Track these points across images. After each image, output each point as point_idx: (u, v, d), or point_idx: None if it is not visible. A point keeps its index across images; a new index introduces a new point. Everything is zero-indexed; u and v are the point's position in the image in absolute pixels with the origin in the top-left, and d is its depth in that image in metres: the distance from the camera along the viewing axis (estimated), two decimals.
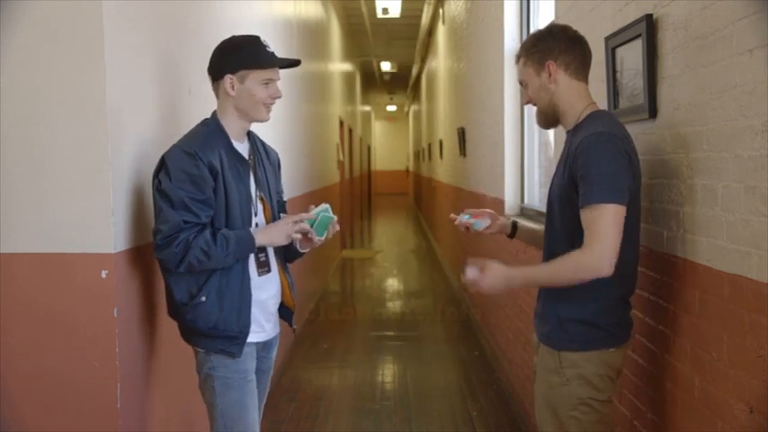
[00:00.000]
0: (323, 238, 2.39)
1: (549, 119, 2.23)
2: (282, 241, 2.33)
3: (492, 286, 2.09)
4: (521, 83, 2.26)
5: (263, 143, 2.53)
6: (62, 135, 2.09)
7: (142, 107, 2.39)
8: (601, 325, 2.07)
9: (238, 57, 2.28)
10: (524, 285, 2.06)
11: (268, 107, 2.34)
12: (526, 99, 2.25)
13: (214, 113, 2.36)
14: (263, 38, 2.34)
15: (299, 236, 2.34)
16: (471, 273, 2.08)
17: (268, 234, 2.30)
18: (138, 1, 2.35)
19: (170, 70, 2.64)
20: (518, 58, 2.24)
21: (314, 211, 2.37)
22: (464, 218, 2.50)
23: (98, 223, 2.11)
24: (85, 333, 2.13)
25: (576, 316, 2.08)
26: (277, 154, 2.61)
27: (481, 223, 2.48)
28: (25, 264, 2.11)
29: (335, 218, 2.40)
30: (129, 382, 2.23)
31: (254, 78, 2.28)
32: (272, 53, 2.33)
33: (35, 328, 2.12)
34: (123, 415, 2.16)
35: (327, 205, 2.40)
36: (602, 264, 1.92)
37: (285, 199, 2.64)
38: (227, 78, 2.28)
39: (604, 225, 1.93)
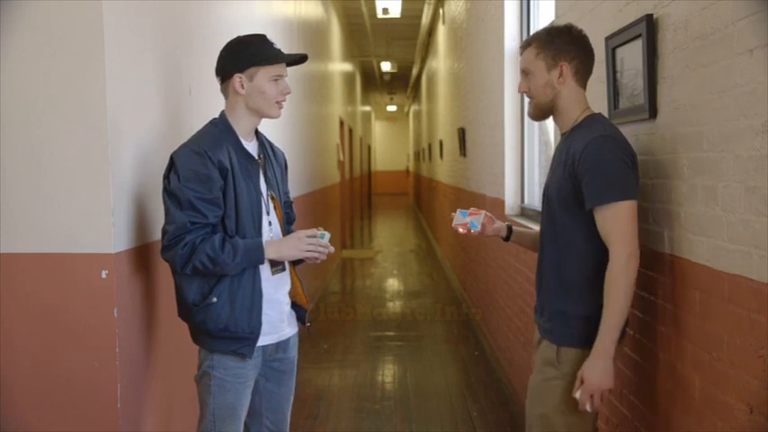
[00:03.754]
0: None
1: (544, 114, 2.25)
2: (293, 257, 2.34)
3: (601, 381, 2.01)
4: (523, 71, 2.24)
5: (270, 143, 2.52)
6: (62, 135, 2.09)
7: (142, 107, 2.39)
8: (597, 320, 2.07)
9: (246, 55, 2.28)
10: (614, 341, 2.02)
11: (279, 104, 2.35)
12: (524, 88, 2.24)
13: (222, 113, 2.34)
14: (268, 36, 2.34)
15: (315, 254, 2.32)
16: (582, 394, 2.03)
17: (278, 248, 2.29)
18: (138, 1, 2.35)
19: (170, 70, 2.64)
20: (528, 44, 2.21)
21: (319, 233, 2.34)
22: (460, 217, 2.50)
23: (98, 223, 2.11)
24: (85, 333, 2.13)
25: (577, 312, 2.12)
26: (284, 154, 2.60)
27: (476, 224, 2.48)
28: (25, 264, 2.11)
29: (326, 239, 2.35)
30: (129, 382, 2.23)
31: (264, 75, 2.28)
32: (279, 50, 2.33)
33: (35, 328, 2.12)
34: (123, 415, 2.16)
35: (327, 234, 2.36)
36: (634, 260, 2.01)
37: (291, 200, 2.64)
38: (237, 77, 2.28)
39: (621, 224, 2.01)
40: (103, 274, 2.11)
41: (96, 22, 2.07)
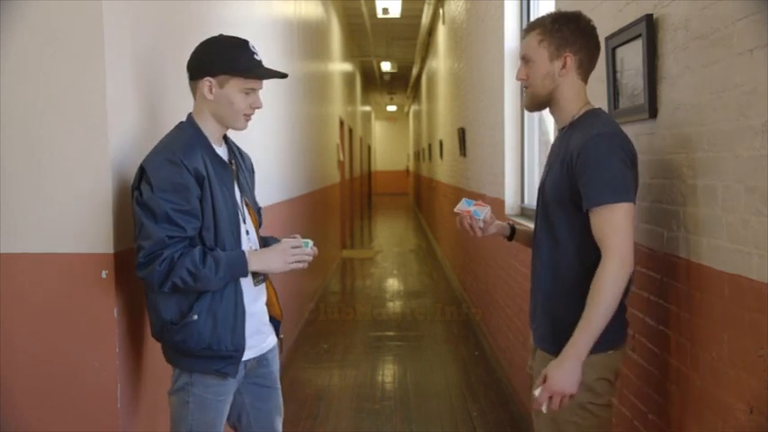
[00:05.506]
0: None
1: (540, 105, 2.16)
2: (280, 270, 2.21)
3: (564, 384, 1.91)
4: (523, 57, 2.13)
5: (238, 148, 2.40)
6: (62, 135, 2.09)
7: (142, 107, 2.39)
8: None
9: (222, 60, 2.14)
10: (588, 346, 1.90)
11: (247, 117, 2.21)
12: (522, 76, 2.13)
13: (190, 116, 2.22)
14: (251, 43, 2.22)
15: (300, 265, 2.22)
16: (540, 393, 1.93)
17: (264, 261, 2.18)
18: (138, 1, 2.35)
19: (170, 70, 2.64)
20: (531, 29, 2.11)
21: (300, 241, 2.25)
22: (464, 205, 2.36)
23: (98, 223, 2.11)
24: (85, 333, 2.13)
25: (573, 317, 1.98)
26: (251, 159, 2.49)
27: (480, 213, 2.35)
28: (25, 264, 2.11)
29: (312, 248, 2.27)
30: (129, 382, 2.23)
31: (235, 86, 2.14)
32: (259, 62, 2.19)
33: (35, 328, 2.12)
34: (123, 415, 2.16)
35: (310, 242, 2.27)
36: (626, 267, 1.91)
37: (261, 205, 2.52)
38: (206, 81, 2.14)
39: (616, 227, 1.90)
40: (103, 274, 2.11)
41: (96, 22, 2.07)
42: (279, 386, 2.45)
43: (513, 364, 4.65)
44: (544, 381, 1.94)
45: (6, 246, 2.11)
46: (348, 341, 6.27)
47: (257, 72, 2.18)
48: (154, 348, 2.47)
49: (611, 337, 2.02)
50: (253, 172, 2.47)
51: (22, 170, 2.10)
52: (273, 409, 2.43)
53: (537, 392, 1.95)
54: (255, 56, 2.19)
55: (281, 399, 2.47)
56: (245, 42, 2.20)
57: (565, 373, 1.91)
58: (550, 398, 1.93)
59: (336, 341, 6.20)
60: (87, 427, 2.14)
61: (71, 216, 2.11)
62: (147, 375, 2.41)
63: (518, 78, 2.17)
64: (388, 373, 5.38)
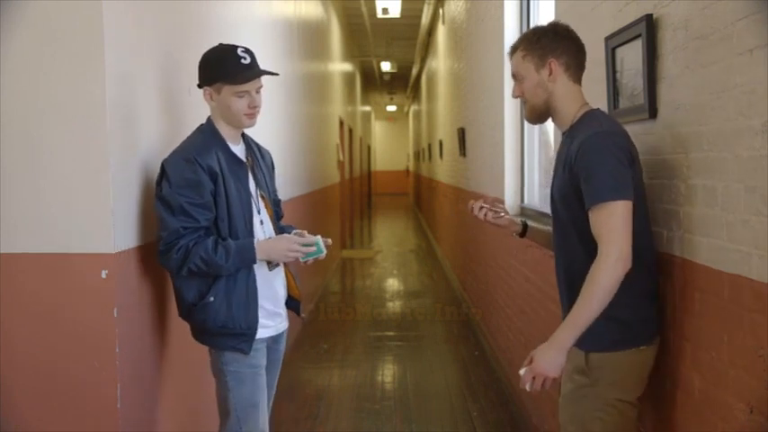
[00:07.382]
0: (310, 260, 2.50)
1: (541, 116, 2.22)
2: (281, 260, 2.46)
3: (547, 367, 2.00)
4: (514, 75, 2.22)
5: (257, 145, 2.60)
6: (62, 135, 2.09)
7: (142, 107, 2.39)
8: (625, 321, 2.03)
9: (211, 70, 2.35)
10: (574, 336, 1.97)
11: (249, 116, 2.39)
12: (518, 93, 2.22)
13: (209, 118, 2.43)
14: (240, 48, 2.36)
15: (296, 256, 2.42)
16: (525, 372, 2.04)
17: (267, 251, 2.38)
18: (138, 1, 2.36)
19: (170, 71, 2.64)
20: (514, 49, 2.20)
21: (312, 239, 2.44)
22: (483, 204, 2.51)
23: (98, 223, 2.11)
24: (85, 333, 2.13)
25: (602, 315, 1.97)
26: (270, 155, 2.69)
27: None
28: (25, 264, 2.11)
29: (324, 253, 2.47)
30: (129, 382, 2.23)
31: (228, 91, 2.33)
32: (247, 65, 2.34)
33: (35, 329, 2.12)
34: (123, 415, 2.16)
35: (319, 237, 2.46)
36: (622, 263, 1.93)
37: (281, 198, 2.75)
38: (206, 90, 2.37)
39: (614, 224, 1.93)
40: (103, 274, 2.12)
41: (96, 22, 2.07)
42: (281, 363, 2.66)
43: (513, 364, 4.64)
44: (530, 362, 2.03)
45: (6, 246, 2.11)
46: (348, 341, 6.27)
47: (243, 76, 2.33)
48: (154, 348, 2.47)
49: (641, 331, 2.05)
50: (272, 167, 2.68)
51: (22, 170, 2.10)
52: (270, 381, 2.62)
53: (522, 372, 2.05)
54: (243, 60, 2.34)
55: (278, 373, 2.67)
56: (233, 49, 2.36)
57: (549, 358, 2.00)
58: (533, 378, 2.03)
59: (336, 341, 6.19)
60: (87, 427, 2.14)
61: (71, 216, 2.11)
62: (147, 375, 2.41)
63: (514, 96, 2.26)
64: (388, 373, 5.38)
